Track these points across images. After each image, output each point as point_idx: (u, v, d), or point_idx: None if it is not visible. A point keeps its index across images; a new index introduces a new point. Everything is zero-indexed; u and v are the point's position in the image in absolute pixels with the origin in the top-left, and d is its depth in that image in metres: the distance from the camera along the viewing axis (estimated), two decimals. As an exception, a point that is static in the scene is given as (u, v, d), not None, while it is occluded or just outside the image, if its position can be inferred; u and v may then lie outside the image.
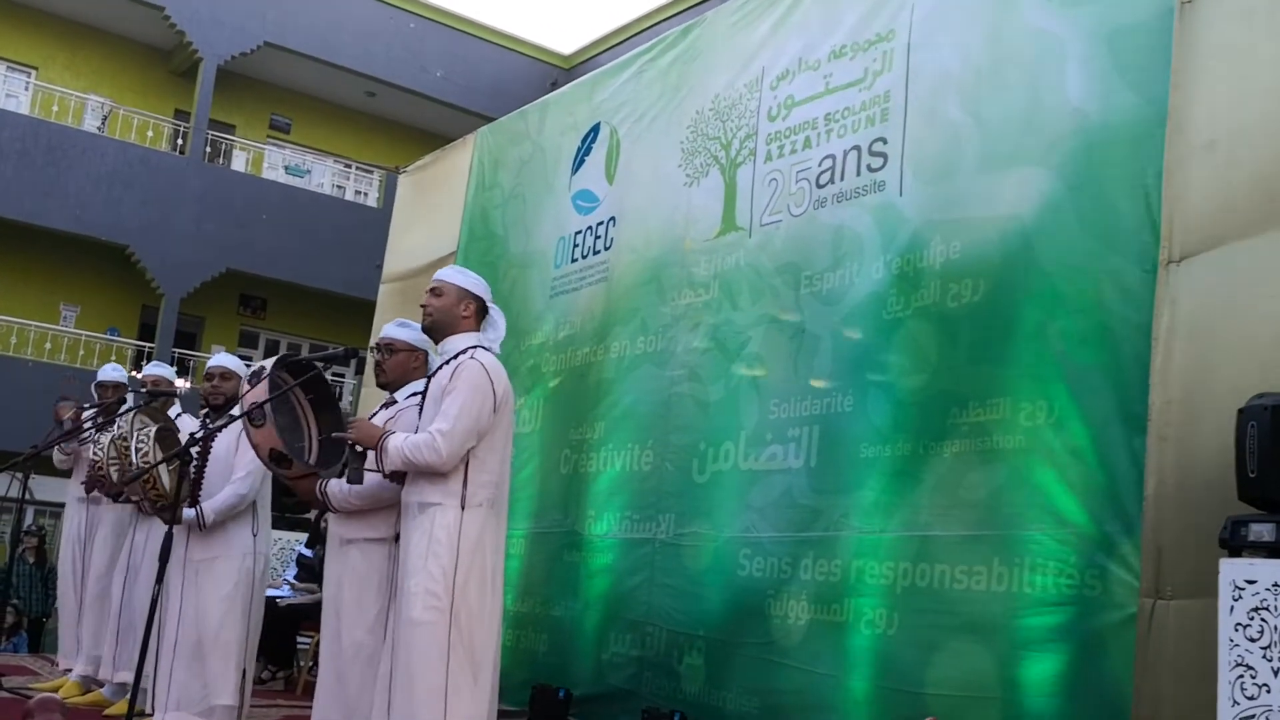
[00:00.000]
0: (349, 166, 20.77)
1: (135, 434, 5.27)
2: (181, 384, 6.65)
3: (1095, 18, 4.00)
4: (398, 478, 4.00)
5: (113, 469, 5.34)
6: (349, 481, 4.03)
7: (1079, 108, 3.98)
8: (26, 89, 17.84)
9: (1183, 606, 3.38)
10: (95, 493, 5.98)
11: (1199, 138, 3.62)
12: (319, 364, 4.49)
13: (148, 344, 17.38)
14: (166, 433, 5.37)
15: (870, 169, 4.70)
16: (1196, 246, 3.58)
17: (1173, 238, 3.63)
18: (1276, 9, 3.57)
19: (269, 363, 4.34)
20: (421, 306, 4.15)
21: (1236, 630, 2.78)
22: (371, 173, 20.63)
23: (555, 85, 18.37)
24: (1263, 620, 2.74)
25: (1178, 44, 3.73)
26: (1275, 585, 2.74)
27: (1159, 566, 3.47)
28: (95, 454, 5.73)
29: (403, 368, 4.38)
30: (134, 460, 5.16)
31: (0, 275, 17.34)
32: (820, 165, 4.94)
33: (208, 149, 18.04)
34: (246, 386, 4.30)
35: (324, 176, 20.40)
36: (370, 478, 4.03)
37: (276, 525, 7.20)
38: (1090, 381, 3.75)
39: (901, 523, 4.26)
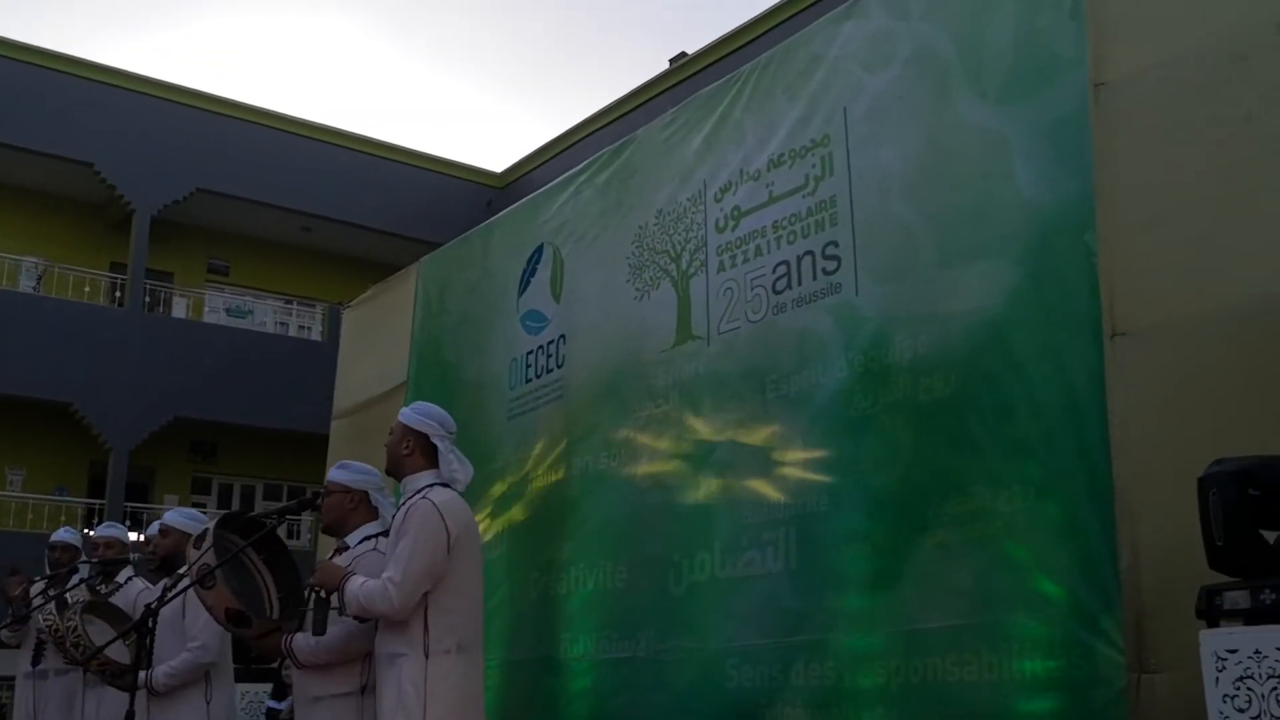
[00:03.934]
0: (290, 303, 20.75)
1: (66, 619, 5.19)
2: (135, 537, 6.54)
3: (1033, 112, 4.10)
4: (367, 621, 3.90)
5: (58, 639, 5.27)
6: (314, 633, 3.89)
7: (1030, 200, 4.07)
8: (-41, 255, 17.73)
9: (1169, 680, 3.37)
10: (42, 664, 5.85)
11: (1135, 215, 3.73)
12: (268, 519, 4.40)
13: (98, 501, 17.06)
14: (95, 605, 5.31)
15: (825, 272, 4.78)
16: (1139, 320, 3.66)
17: (1114, 312, 3.71)
18: (1187, 85, 3.71)
19: (212, 525, 4.25)
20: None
21: (1224, 702, 2.75)
22: (314, 306, 20.62)
23: (490, 204, 18.57)
24: (1249, 689, 2.72)
25: (1096, 126, 3.86)
26: (1257, 653, 2.72)
27: (1140, 640, 3.47)
28: (45, 620, 5.59)
29: (338, 510, 4.23)
30: (68, 643, 5.08)
31: (-59, 444, 17.02)
32: (775, 272, 5.01)
33: (147, 299, 17.98)
34: (192, 550, 4.19)
35: (266, 315, 20.35)
36: (335, 631, 3.92)
37: (242, 678, 7.00)
38: (1062, 462, 3.80)
39: (889, 619, 4.23)
